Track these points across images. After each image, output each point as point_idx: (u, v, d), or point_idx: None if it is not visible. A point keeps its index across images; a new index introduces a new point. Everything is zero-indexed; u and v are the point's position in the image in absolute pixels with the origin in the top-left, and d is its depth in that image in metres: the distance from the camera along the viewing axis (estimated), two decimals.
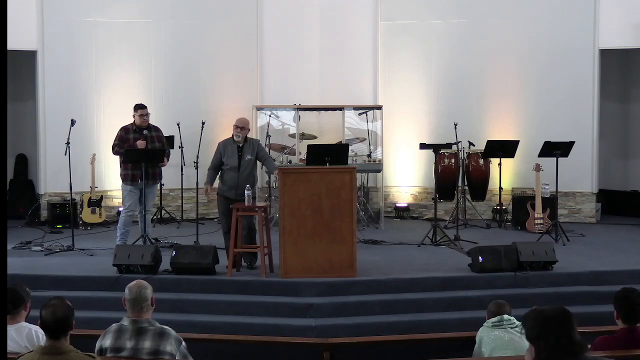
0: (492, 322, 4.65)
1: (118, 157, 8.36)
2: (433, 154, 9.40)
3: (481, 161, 10.49)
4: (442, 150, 10.06)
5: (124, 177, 8.28)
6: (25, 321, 4.32)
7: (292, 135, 10.69)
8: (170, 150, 9.86)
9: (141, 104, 8.47)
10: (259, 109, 10.80)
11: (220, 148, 7.75)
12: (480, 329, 4.70)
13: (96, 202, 10.17)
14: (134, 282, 4.25)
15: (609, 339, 4.25)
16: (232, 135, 7.76)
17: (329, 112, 10.80)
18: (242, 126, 7.71)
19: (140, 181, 8.17)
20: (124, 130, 8.36)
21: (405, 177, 11.31)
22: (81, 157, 9.81)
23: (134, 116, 8.39)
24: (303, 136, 10.50)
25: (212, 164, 7.85)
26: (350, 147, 9.70)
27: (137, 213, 8.45)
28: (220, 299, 6.89)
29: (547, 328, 2.99)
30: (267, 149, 10.54)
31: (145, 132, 8.31)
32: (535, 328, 3.03)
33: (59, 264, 7.78)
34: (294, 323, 6.50)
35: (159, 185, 9.50)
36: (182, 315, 6.59)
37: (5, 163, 10.50)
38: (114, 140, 8.35)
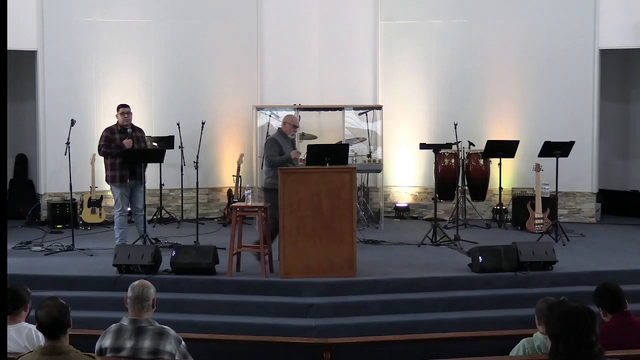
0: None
1: (103, 158, 8.39)
2: (433, 154, 9.40)
3: (481, 161, 10.49)
4: (442, 150, 10.06)
5: (112, 179, 8.29)
6: (26, 321, 4.32)
7: None
8: (170, 150, 9.93)
9: (123, 103, 8.49)
10: (259, 109, 10.80)
11: (278, 141, 7.76)
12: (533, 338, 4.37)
13: (96, 202, 10.18)
14: (137, 281, 4.27)
15: (606, 329, 4.28)
16: (280, 131, 7.90)
17: (329, 112, 10.80)
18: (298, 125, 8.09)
19: (129, 181, 8.21)
20: (109, 130, 8.37)
21: (405, 177, 11.31)
22: (81, 157, 9.81)
23: (117, 116, 8.40)
24: (303, 136, 10.50)
25: (277, 154, 7.75)
26: (350, 147, 9.69)
27: (134, 214, 8.46)
28: (220, 299, 6.88)
29: (570, 330, 2.95)
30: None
31: (129, 130, 8.34)
32: (557, 326, 2.99)
33: (59, 264, 7.77)
34: (294, 323, 6.49)
35: (157, 185, 9.58)
36: (182, 315, 6.58)
37: (5, 163, 10.51)
38: (100, 141, 8.36)
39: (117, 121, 8.40)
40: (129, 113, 8.39)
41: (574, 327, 2.94)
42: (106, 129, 8.40)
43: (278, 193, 7.34)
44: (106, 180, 8.43)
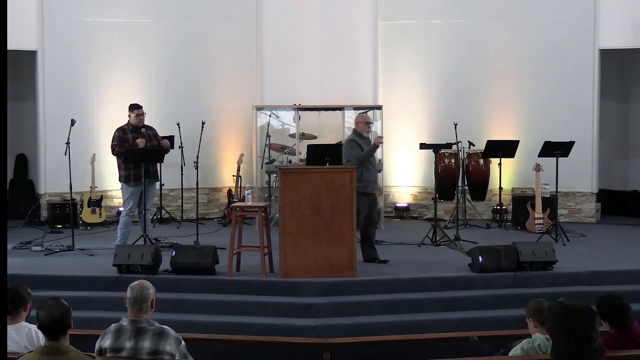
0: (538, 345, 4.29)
1: (116, 158, 8.39)
2: (433, 154, 9.39)
3: (481, 161, 10.49)
4: (442, 150, 10.06)
5: (126, 178, 8.28)
6: (26, 321, 4.32)
7: (292, 135, 10.69)
8: (171, 149, 9.93)
9: (137, 103, 8.50)
10: (259, 109, 10.80)
11: (356, 141, 7.70)
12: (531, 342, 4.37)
13: (96, 202, 10.17)
14: (137, 282, 4.26)
15: (604, 341, 4.27)
16: (354, 132, 7.82)
17: (329, 112, 10.80)
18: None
19: (142, 180, 8.20)
20: (121, 130, 8.38)
21: (405, 177, 11.31)
22: (81, 157, 9.81)
23: (129, 116, 8.41)
24: (303, 136, 10.50)
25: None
26: None
27: (137, 213, 8.48)
28: (220, 299, 6.88)
29: (569, 327, 2.96)
30: (266, 149, 10.58)
31: (143, 130, 8.35)
32: (557, 323, 2.99)
33: (59, 264, 7.77)
34: (294, 323, 6.49)
35: (158, 184, 9.54)
36: (182, 315, 6.58)
37: (5, 163, 10.50)
38: (113, 141, 8.37)
39: (129, 121, 8.41)
40: (143, 114, 8.43)
41: (572, 324, 2.96)
42: (118, 129, 8.41)
43: (360, 195, 7.39)
44: (119, 180, 8.42)
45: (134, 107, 8.42)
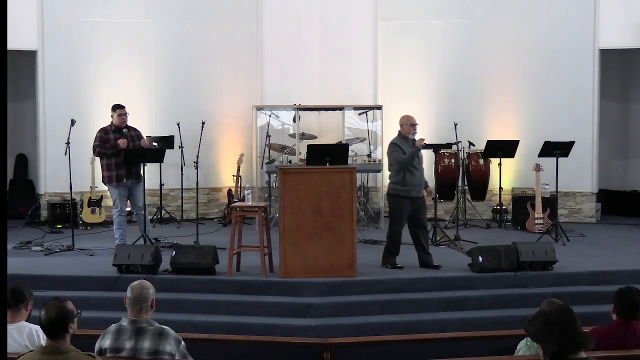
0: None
1: (99, 159, 8.40)
2: (433, 154, 9.39)
3: (481, 161, 10.49)
4: (442, 150, 10.06)
5: (109, 179, 8.28)
6: (27, 321, 4.32)
7: (292, 135, 10.69)
8: (170, 150, 9.94)
9: (120, 104, 8.48)
10: (259, 109, 10.80)
11: (398, 144, 7.59)
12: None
13: (96, 202, 10.18)
14: (137, 282, 4.26)
15: (605, 329, 4.34)
16: (399, 134, 7.71)
17: (329, 112, 10.79)
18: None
19: (126, 180, 8.23)
20: (103, 131, 8.36)
21: None
22: (81, 157, 9.80)
23: (112, 116, 8.41)
24: (303, 136, 10.50)
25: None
26: (350, 147, 9.69)
27: (134, 214, 8.48)
28: (220, 299, 6.88)
29: (551, 324, 3.02)
30: (267, 149, 10.58)
31: (124, 131, 8.34)
32: (539, 326, 3.06)
33: (59, 264, 7.78)
34: (294, 323, 6.49)
35: (158, 184, 9.58)
36: (182, 315, 6.58)
37: (5, 163, 10.49)
38: (94, 142, 8.35)
39: (112, 121, 8.41)
40: (126, 114, 8.40)
41: (552, 320, 3.06)
42: (100, 130, 8.41)
43: (402, 200, 7.40)
44: (102, 181, 8.43)
45: (117, 107, 8.41)
